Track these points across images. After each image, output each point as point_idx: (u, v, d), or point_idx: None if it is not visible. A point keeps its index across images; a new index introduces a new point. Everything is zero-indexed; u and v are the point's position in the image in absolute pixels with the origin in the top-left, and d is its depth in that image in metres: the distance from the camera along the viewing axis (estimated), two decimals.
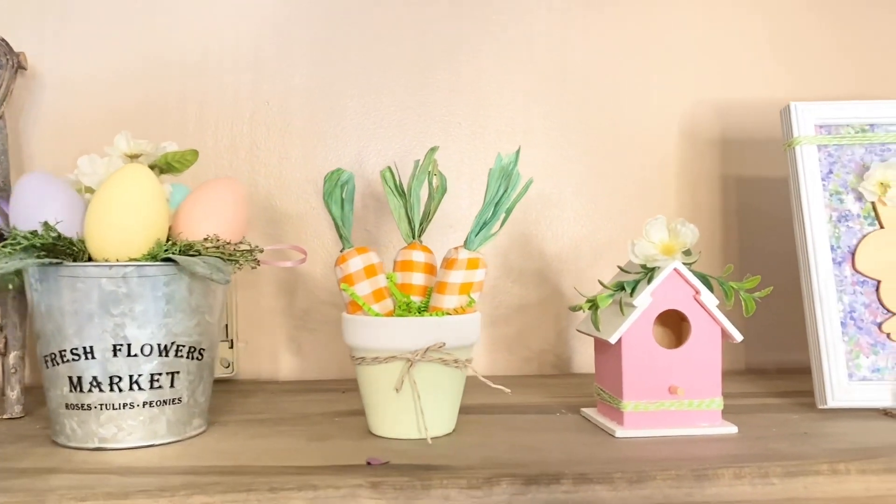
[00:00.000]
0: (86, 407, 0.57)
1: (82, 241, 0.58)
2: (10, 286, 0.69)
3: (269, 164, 0.91)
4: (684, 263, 0.62)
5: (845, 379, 0.67)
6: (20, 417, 0.70)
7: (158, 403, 0.59)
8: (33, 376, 0.80)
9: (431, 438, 0.60)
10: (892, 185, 0.70)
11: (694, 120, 0.96)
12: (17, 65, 0.78)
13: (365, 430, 0.63)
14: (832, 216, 0.71)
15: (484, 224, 0.62)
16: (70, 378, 0.57)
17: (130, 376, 0.58)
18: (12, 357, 0.72)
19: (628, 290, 0.62)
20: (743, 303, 0.63)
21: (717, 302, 0.62)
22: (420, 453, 0.56)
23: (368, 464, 0.54)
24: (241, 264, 0.62)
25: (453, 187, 0.92)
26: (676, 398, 0.62)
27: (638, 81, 0.95)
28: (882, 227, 0.71)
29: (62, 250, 0.58)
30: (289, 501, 0.49)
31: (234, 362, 0.89)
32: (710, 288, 0.62)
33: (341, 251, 0.63)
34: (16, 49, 0.79)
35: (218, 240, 0.61)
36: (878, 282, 0.69)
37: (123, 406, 0.58)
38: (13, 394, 0.71)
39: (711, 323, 0.62)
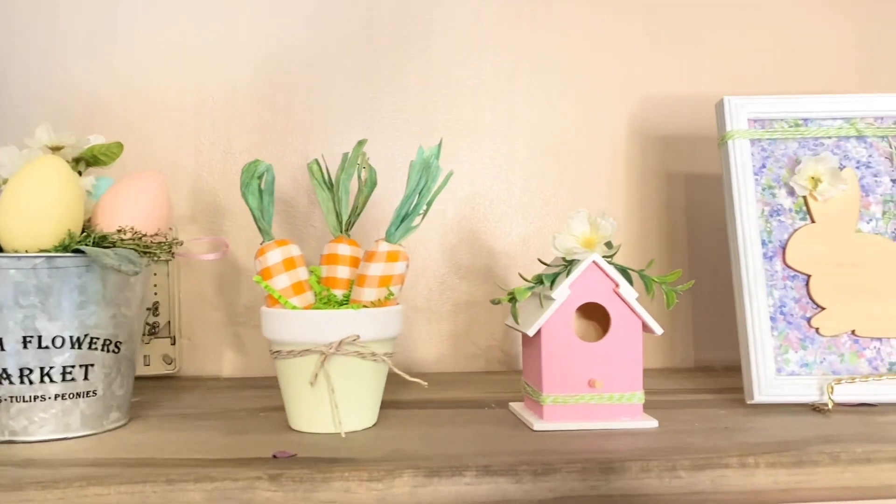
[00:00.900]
0: None
1: None
2: None
3: (212, 158, 0.90)
4: (605, 256, 0.62)
5: (773, 374, 0.66)
6: None
7: (72, 396, 0.58)
8: None
9: (349, 432, 0.59)
10: (823, 179, 0.70)
11: (643, 116, 0.95)
12: None
13: (286, 424, 0.63)
14: (764, 210, 0.71)
15: (405, 216, 0.62)
16: None
17: (41, 368, 0.57)
18: None
19: (547, 283, 0.62)
20: (665, 296, 0.63)
21: (636, 295, 0.61)
22: (332, 447, 0.56)
23: (274, 457, 0.53)
24: (157, 256, 0.61)
25: (402, 182, 0.92)
26: (596, 392, 0.61)
27: (586, 77, 0.95)
28: (813, 221, 0.70)
29: None
30: (185, 493, 0.49)
31: (177, 359, 0.88)
32: (630, 281, 0.62)
33: (261, 244, 0.63)
34: None
35: (134, 231, 0.60)
36: (808, 276, 0.69)
37: (34, 399, 0.57)
38: None
39: (631, 316, 0.62)
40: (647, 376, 0.86)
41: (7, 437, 0.57)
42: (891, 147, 0.72)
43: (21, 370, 0.57)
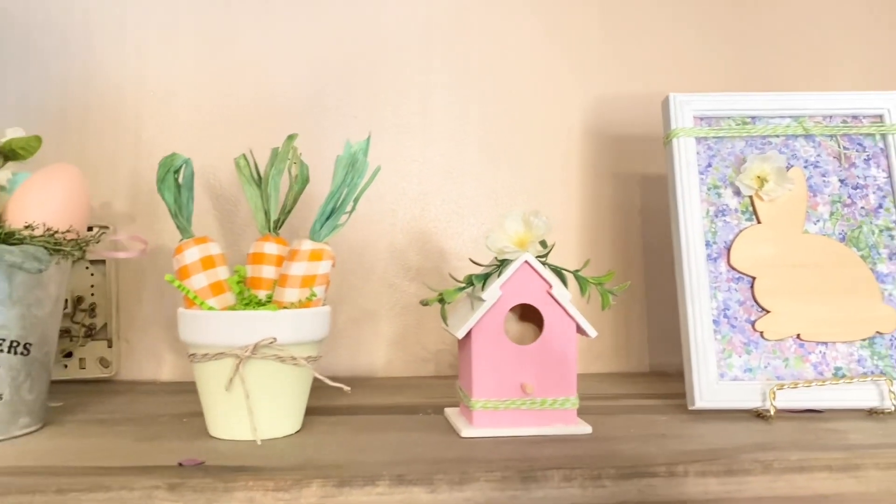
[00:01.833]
0: None
1: None
2: None
3: (153, 154, 0.87)
4: (539, 256, 0.60)
5: (715, 379, 0.64)
6: None
7: None
8: None
9: (268, 440, 0.57)
10: (769, 178, 0.68)
11: (596, 116, 0.93)
12: None
13: (207, 431, 0.60)
14: (709, 211, 0.69)
15: (331, 214, 0.59)
16: None
17: None
18: None
19: (479, 284, 0.60)
20: (600, 297, 0.61)
21: (570, 296, 0.59)
22: (244, 454, 0.53)
23: (180, 465, 0.50)
24: (69, 254, 0.58)
25: None
26: (528, 397, 0.59)
27: (539, 77, 0.93)
28: (759, 222, 0.68)
29: None
30: (77, 503, 0.46)
31: (114, 362, 0.85)
32: (565, 281, 0.60)
33: (180, 241, 0.60)
34: None
35: (46, 228, 0.58)
36: (753, 278, 0.67)
37: None
38: None
39: (565, 318, 0.59)
40: (599, 381, 0.86)
41: None
42: (839, 146, 0.70)
43: None
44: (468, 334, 0.59)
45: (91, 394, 0.78)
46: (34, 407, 0.60)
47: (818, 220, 0.69)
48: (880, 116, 0.71)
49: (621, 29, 0.94)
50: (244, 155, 0.64)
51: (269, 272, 0.61)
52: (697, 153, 0.70)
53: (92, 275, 0.85)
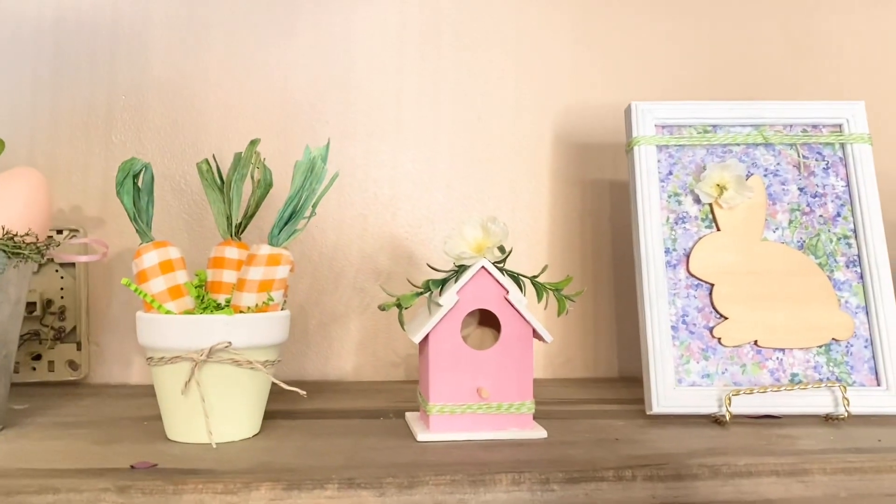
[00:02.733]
0: None
1: None
2: None
3: (124, 157, 0.87)
4: (497, 262, 0.60)
5: (672, 384, 0.65)
6: None
7: None
8: None
9: (224, 443, 0.57)
10: (728, 186, 0.69)
11: (567, 124, 0.94)
12: None
13: (165, 434, 0.60)
14: (669, 218, 0.70)
15: (289, 219, 0.60)
16: None
17: None
18: None
19: (436, 290, 0.60)
20: (557, 302, 0.61)
21: (526, 301, 0.60)
22: (198, 458, 0.54)
23: (132, 467, 0.51)
24: (27, 257, 0.59)
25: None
26: (484, 401, 0.59)
27: (510, 84, 0.94)
28: (718, 229, 0.69)
29: None
30: None
31: (83, 365, 0.85)
32: (522, 287, 0.60)
33: (140, 245, 0.60)
34: None
35: (5, 231, 0.58)
36: (712, 285, 0.68)
37: None
38: None
39: (522, 323, 0.60)
40: (565, 385, 0.86)
41: None
42: (799, 155, 0.71)
43: None
44: (426, 339, 0.60)
45: (58, 396, 0.78)
46: None
47: (777, 228, 0.69)
48: (839, 126, 0.72)
49: (592, 37, 0.95)
50: (206, 160, 0.65)
51: (229, 276, 0.62)
52: (659, 161, 0.71)
53: (62, 278, 0.85)
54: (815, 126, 0.72)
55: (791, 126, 0.72)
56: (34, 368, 0.84)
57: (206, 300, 0.59)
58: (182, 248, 0.64)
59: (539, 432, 0.60)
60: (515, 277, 0.61)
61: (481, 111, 0.93)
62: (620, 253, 0.94)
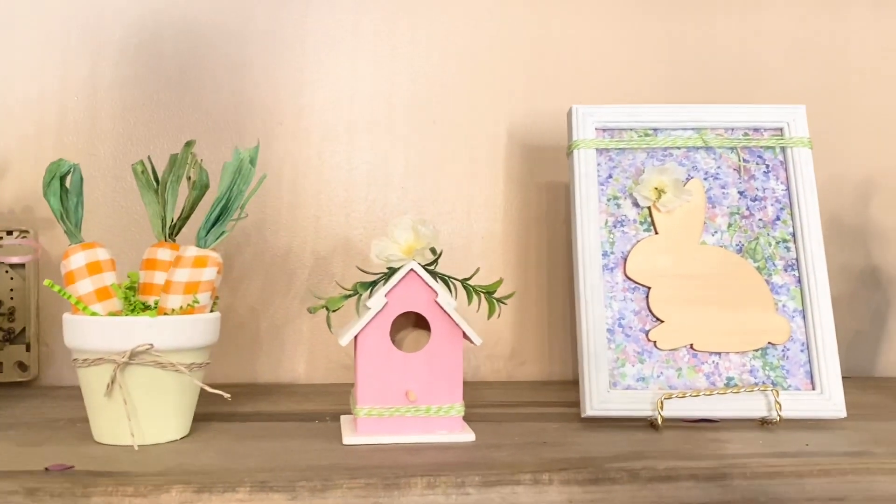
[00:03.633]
0: None
1: None
2: None
3: (76, 159, 0.87)
4: (427, 264, 0.60)
5: (606, 388, 0.65)
6: None
7: None
8: None
9: (150, 445, 0.57)
10: (666, 190, 0.69)
11: (523, 127, 0.94)
12: None
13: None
14: (608, 221, 0.70)
15: (217, 220, 0.60)
16: None
17: None
18: None
19: (365, 292, 0.60)
20: (487, 305, 0.61)
21: (455, 304, 0.60)
22: (117, 460, 0.53)
23: (47, 470, 0.51)
24: None
25: (274, 188, 0.90)
26: (412, 404, 0.59)
27: (466, 86, 0.94)
28: (657, 233, 0.69)
29: None
30: None
31: (32, 367, 0.85)
32: (452, 290, 0.60)
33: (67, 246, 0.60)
34: None
35: None
36: (649, 288, 0.68)
37: None
38: None
39: (451, 326, 0.60)
40: (513, 388, 0.86)
41: None
42: (739, 159, 0.71)
43: None
44: (356, 342, 0.60)
45: (3, 398, 0.78)
46: None
47: (716, 232, 0.69)
48: (780, 130, 0.72)
49: (550, 40, 0.95)
50: (142, 161, 0.65)
51: (161, 278, 0.62)
52: (599, 164, 0.71)
53: (11, 279, 0.85)
54: (756, 129, 0.72)
55: (732, 129, 0.72)
56: None
57: (133, 302, 0.59)
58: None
59: (467, 435, 0.59)
60: (446, 280, 0.61)
61: (436, 113, 0.93)
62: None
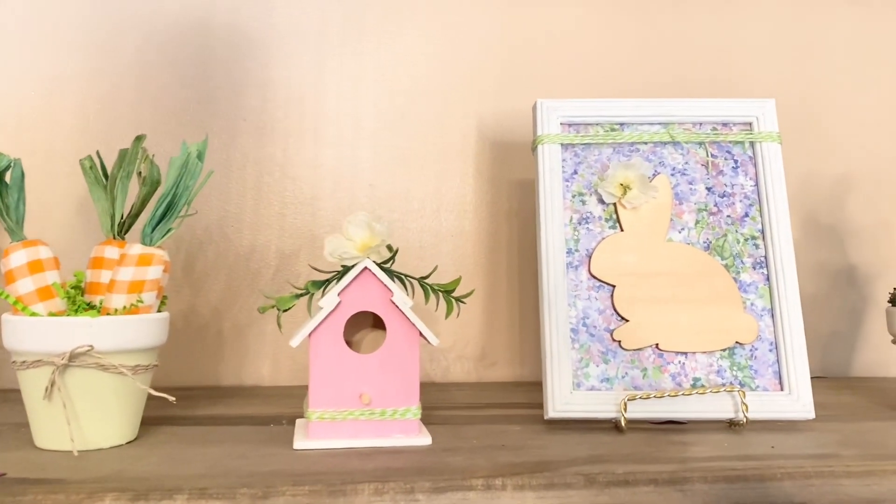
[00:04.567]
0: None
1: None
2: None
3: (34, 153, 0.85)
4: (383, 262, 0.58)
5: (569, 389, 0.63)
6: None
7: None
8: None
9: (93, 450, 0.55)
10: (632, 186, 0.67)
11: (493, 124, 0.92)
12: None
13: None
14: (573, 218, 0.68)
15: (163, 217, 0.57)
16: None
17: None
18: None
19: (318, 291, 0.58)
20: (445, 304, 0.59)
21: (411, 303, 0.58)
22: (55, 466, 0.51)
23: None
24: None
25: (237, 185, 0.87)
26: (367, 407, 0.57)
27: (435, 83, 0.92)
28: (622, 230, 0.67)
29: None
30: None
31: None
32: (408, 288, 0.58)
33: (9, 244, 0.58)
34: None
35: None
36: (613, 287, 0.66)
37: None
38: None
39: (408, 326, 0.58)
40: (484, 390, 0.84)
41: None
42: (707, 154, 0.69)
43: None
44: (309, 343, 0.57)
45: None
46: None
47: (683, 229, 0.68)
48: (749, 124, 0.70)
49: (520, 36, 0.93)
50: (90, 156, 0.63)
51: (108, 277, 0.59)
52: (564, 160, 0.69)
53: None
54: (725, 124, 0.70)
55: (701, 124, 0.70)
56: None
57: (78, 302, 0.57)
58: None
59: (424, 439, 0.57)
60: (402, 278, 0.59)
61: (405, 109, 0.91)
62: None
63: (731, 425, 0.63)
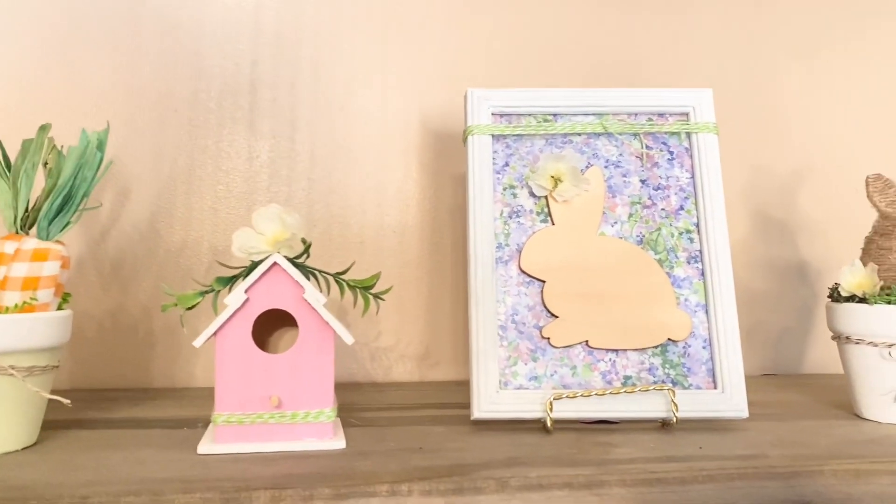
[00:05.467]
0: None
1: None
2: None
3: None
4: (295, 258, 0.56)
5: (494, 388, 0.61)
6: None
7: None
8: None
9: None
10: (563, 178, 0.65)
11: (438, 116, 0.90)
12: None
13: None
14: (504, 212, 0.66)
15: (60, 209, 0.54)
16: None
17: None
18: None
19: (224, 288, 0.55)
20: (363, 301, 0.57)
21: (324, 300, 0.55)
22: None
23: None
24: None
25: (167, 179, 0.84)
26: (277, 410, 0.55)
27: (375, 75, 0.89)
28: (553, 223, 0.65)
29: None
30: None
31: None
32: (321, 285, 0.56)
33: None
34: None
35: None
36: (543, 282, 0.64)
37: None
38: None
39: (321, 324, 0.55)
40: (424, 389, 0.82)
41: None
42: (642, 146, 0.67)
43: None
44: (216, 343, 0.55)
45: None
46: None
47: (616, 222, 0.66)
48: (686, 114, 0.68)
49: (465, 25, 0.91)
50: None
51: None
52: (496, 152, 0.67)
53: None
54: (661, 115, 0.68)
55: (636, 115, 0.68)
56: None
57: None
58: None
59: (337, 442, 0.55)
60: (315, 274, 0.56)
61: (344, 101, 0.89)
62: None
63: (663, 425, 0.61)
